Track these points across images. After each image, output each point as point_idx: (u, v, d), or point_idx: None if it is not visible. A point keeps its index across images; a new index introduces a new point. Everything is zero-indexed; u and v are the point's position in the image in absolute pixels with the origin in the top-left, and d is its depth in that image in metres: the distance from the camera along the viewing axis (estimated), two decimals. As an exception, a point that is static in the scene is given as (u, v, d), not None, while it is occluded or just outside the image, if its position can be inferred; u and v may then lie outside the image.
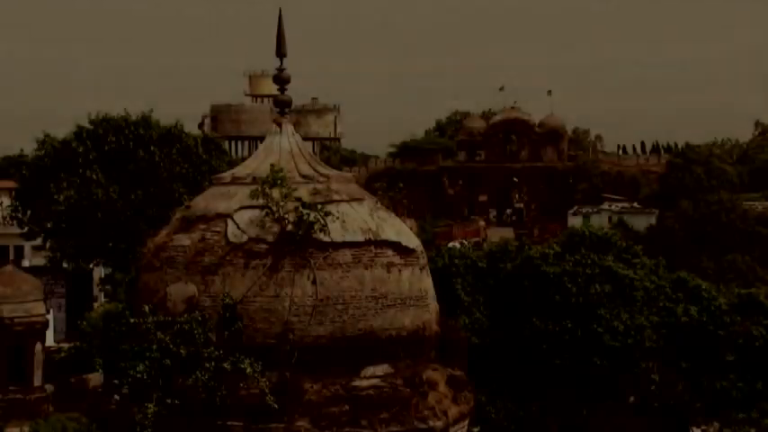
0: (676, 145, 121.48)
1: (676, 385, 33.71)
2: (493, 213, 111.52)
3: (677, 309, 33.58)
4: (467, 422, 20.57)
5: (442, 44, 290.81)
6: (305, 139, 27.40)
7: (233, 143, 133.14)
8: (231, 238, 19.45)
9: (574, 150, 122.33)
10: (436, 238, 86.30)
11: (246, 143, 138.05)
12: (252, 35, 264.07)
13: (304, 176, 20.41)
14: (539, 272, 32.83)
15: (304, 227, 19.15)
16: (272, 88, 32.59)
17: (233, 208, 19.88)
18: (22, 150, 57.26)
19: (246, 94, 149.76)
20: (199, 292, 19.23)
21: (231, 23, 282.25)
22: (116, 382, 19.47)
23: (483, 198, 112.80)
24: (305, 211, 19.21)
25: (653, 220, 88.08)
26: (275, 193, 19.42)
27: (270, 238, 19.27)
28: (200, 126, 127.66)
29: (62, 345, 48.94)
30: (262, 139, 23.33)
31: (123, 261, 50.48)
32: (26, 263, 66.28)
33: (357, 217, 19.88)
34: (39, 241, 59.28)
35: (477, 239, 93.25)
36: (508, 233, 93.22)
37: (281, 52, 21.11)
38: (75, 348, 42.51)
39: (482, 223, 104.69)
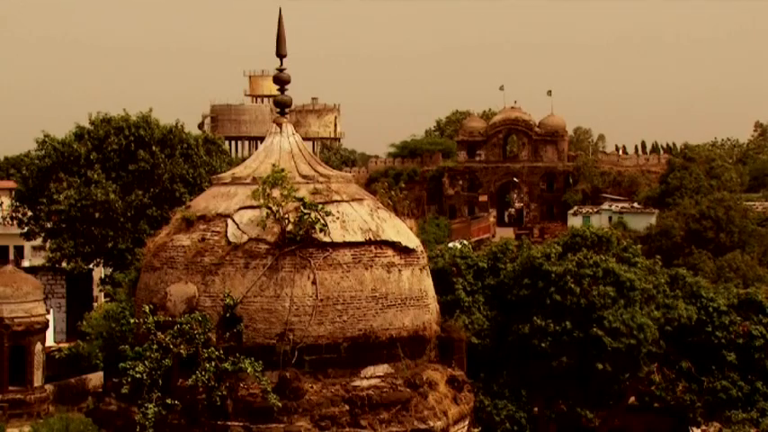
0: (675, 145, 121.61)
1: (676, 385, 33.73)
2: (493, 213, 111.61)
3: (678, 303, 33.62)
4: (467, 422, 20.56)
5: (441, 44, 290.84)
6: (305, 139, 27.53)
7: (233, 143, 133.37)
8: (231, 239, 19.46)
9: (574, 150, 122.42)
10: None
11: (246, 143, 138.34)
12: (252, 35, 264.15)
13: (304, 176, 20.41)
14: (540, 272, 32.81)
15: (304, 227, 19.16)
16: (272, 88, 32.63)
17: (233, 208, 19.88)
18: (29, 152, 57.32)
19: (246, 95, 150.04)
20: (199, 293, 19.24)
21: (231, 23, 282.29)
22: (115, 380, 19.48)
23: (483, 198, 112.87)
24: (305, 212, 19.21)
25: (653, 220, 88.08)
26: (276, 193, 19.42)
27: (270, 239, 19.28)
28: (201, 126, 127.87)
29: (62, 345, 49.03)
30: (262, 139, 23.37)
31: (123, 261, 50.58)
32: (26, 263, 66.42)
33: (357, 217, 19.89)
34: (39, 241, 59.38)
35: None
36: (508, 233, 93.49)
37: (280, 52, 21.10)
38: (75, 348, 42.57)
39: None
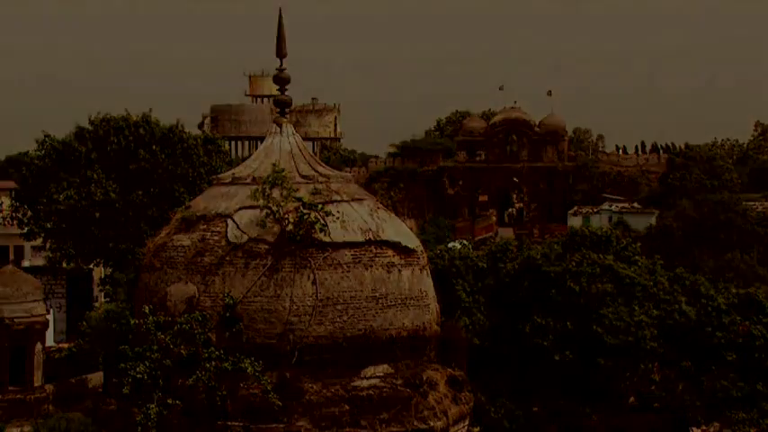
0: (674, 145, 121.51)
1: (676, 385, 33.75)
2: (493, 213, 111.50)
3: (678, 298, 33.67)
4: (467, 422, 20.58)
5: (442, 44, 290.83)
6: (305, 139, 27.55)
7: (233, 143, 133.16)
8: (231, 239, 19.47)
9: (574, 150, 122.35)
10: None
11: (246, 143, 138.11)
12: (252, 35, 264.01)
13: (304, 176, 20.43)
14: (540, 272, 32.85)
15: (304, 227, 19.17)
16: (272, 88, 32.61)
17: (233, 208, 19.90)
18: (29, 152, 57.26)
19: (246, 95, 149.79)
20: (199, 292, 19.25)
21: (231, 23, 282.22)
22: (115, 380, 19.48)
23: (483, 198, 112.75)
24: (305, 212, 19.22)
25: (653, 220, 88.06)
26: (276, 193, 19.43)
27: (270, 239, 19.29)
28: (201, 126, 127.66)
29: (62, 345, 48.96)
30: (262, 139, 23.35)
31: (123, 261, 50.53)
32: (26, 263, 66.31)
33: (357, 217, 19.90)
34: (39, 241, 59.31)
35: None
36: (508, 233, 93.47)
37: (281, 52, 21.13)
38: (75, 348, 42.52)
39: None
